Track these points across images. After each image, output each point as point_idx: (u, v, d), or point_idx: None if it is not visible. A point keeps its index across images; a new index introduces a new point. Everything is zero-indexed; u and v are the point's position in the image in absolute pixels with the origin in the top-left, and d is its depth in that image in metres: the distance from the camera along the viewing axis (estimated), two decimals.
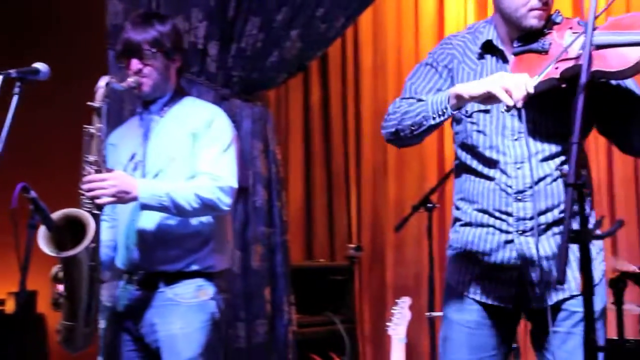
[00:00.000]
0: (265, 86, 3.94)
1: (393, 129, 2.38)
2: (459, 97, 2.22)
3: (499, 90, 2.12)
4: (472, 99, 2.20)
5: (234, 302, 3.68)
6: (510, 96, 2.11)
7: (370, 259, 5.09)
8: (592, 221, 2.37)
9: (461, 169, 2.43)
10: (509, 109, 2.13)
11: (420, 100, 2.32)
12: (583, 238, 1.94)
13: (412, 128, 2.33)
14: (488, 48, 2.39)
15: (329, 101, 5.14)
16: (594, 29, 2.19)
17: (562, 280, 1.89)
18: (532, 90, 2.12)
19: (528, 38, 2.32)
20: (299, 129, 5.08)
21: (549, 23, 2.32)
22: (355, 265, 4.73)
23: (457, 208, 2.45)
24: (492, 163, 2.34)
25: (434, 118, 2.28)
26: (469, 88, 2.21)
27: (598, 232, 2.00)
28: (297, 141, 5.06)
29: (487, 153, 2.34)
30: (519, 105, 2.11)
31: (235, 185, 2.66)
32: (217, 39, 3.73)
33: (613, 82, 2.30)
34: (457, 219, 2.44)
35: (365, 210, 5.13)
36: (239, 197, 3.69)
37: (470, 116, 2.37)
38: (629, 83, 2.33)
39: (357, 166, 5.15)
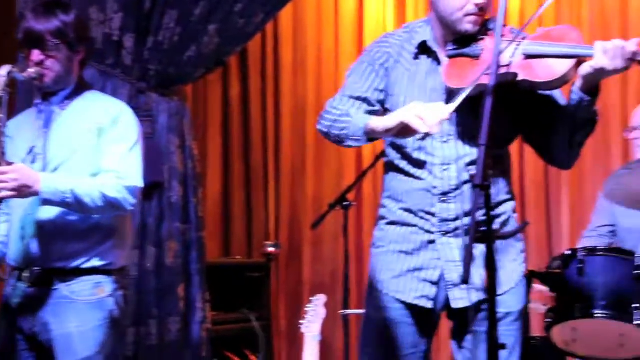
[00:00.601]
0: (183, 81, 3.89)
1: (325, 130, 2.39)
2: (373, 131, 2.25)
3: (413, 118, 2.13)
4: (387, 131, 2.22)
5: (146, 299, 3.63)
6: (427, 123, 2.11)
7: (288, 256, 5.09)
8: (513, 224, 2.45)
9: (390, 167, 2.45)
10: (423, 137, 2.15)
11: (348, 115, 2.33)
12: (488, 238, 1.99)
13: (337, 139, 2.36)
14: (423, 49, 2.40)
15: (248, 97, 5.11)
16: (523, 38, 2.25)
17: (466, 279, 1.94)
18: (447, 117, 2.14)
19: (462, 42, 2.33)
20: (218, 124, 5.03)
21: (484, 29, 2.34)
22: (272, 263, 4.72)
23: (383, 206, 2.46)
24: (419, 163, 2.36)
25: (352, 139, 2.31)
26: (384, 121, 2.23)
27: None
28: (216, 136, 5.02)
29: (415, 154, 2.36)
30: (434, 131, 2.12)
31: (141, 184, 2.61)
32: (133, 32, 3.66)
33: (539, 92, 2.32)
34: (382, 217, 2.46)
35: (283, 207, 5.13)
36: (154, 192, 3.65)
37: None
38: (555, 94, 2.36)
39: (276, 163, 5.14)
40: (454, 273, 2.32)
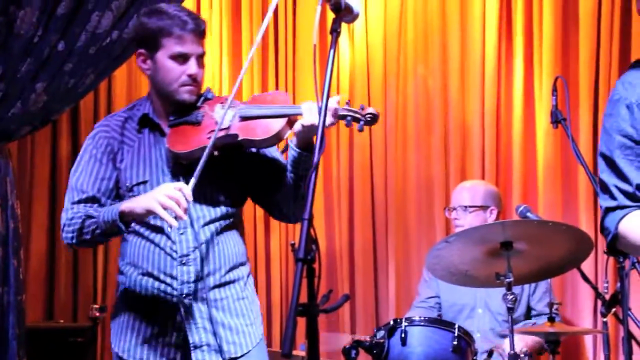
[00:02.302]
0: (6, 138, 3.73)
1: (76, 241, 2.47)
2: (125, 215, 2.35)
3: (161, 211, 2.27)
4: (139, 216, 2.36)
5: None
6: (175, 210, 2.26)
7: None
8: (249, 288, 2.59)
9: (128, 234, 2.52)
10: (171, 225, 2.30)
11: (90, 216, 2.43)
12: (311, 312, 2.01)
13: (92, 241, 2.47)
14: (145, 122, 2.55)
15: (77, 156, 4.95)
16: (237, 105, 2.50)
17: (288, 353, 1.93)
18: (191, 199, 2.30)
19: (182, 111, 2.52)
20: (45, 183, 4.83)
21: (201, 98, 2.56)
22: (98, 327, 4.54)
23: (122, 273, 2.53)
24: (157, 229, 2.46)
25: (107, 233, 2.41)
26: (132, 207, 2.35)
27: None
28: (43, 195, 4.81)
29: (152, 220, 2.45)
30: (184, 218, 2.30)
31: None
32: None
33: (262, 151, 2.57)
34: (121, 284, 2.53)
35: (111, 268, 4.96)
36: None
37: (131, 190, 2.48)
38: (276, 154, 2.60)
39: None
40: (196, 335, 2.42)
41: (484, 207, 3.90)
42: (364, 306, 4.62)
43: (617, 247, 2.15)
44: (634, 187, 2.00)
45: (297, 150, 2.46)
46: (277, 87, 4.82)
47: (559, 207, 4.28)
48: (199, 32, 2.51)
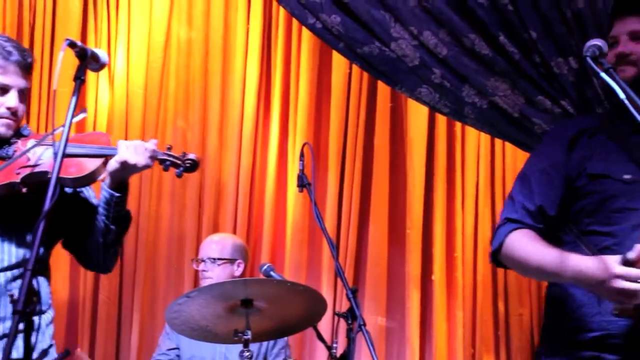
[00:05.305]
0: None
1: None
2: None
3: None
4: None
5: None
6: None
7: None
8: (53, 353, 2.42)
9: None
10: None
11: None
12: None
13: None
14: None
15: None
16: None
17: None
18: None
19: None
20: None
21: (18, 134, 2.46)
22: None
23: None
24: None
25: None
26: None
27: None
28: None
29: None
30: None
31: None
32: None
33: (77, 192, 2.49)
34: None
35: None
36: None
37: None
38: (90, 196, 2.52)
39: None
40: None
41: (231, 260, 3.95)
42: (104, 358, 4.48)
43: (499, 257, 2.34)
44: (535, 206, 2.27)
45: (109, 190, 2.38)
46: (38, 118, 4.57)
47: (304, 267, 4.44)
48: (24, 65, 2.40)
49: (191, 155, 2.48)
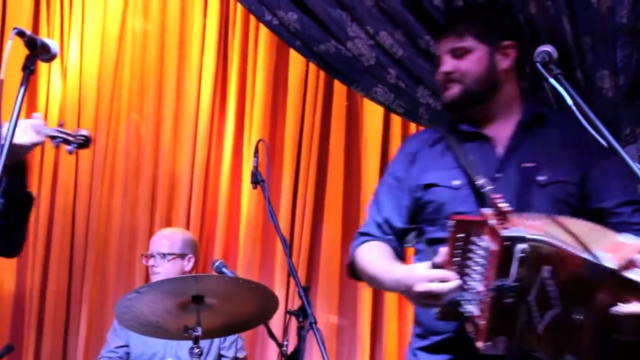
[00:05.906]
0: None
1: None
2: None
3: None
4: None
5: None
6: None
7: None
8: None
9: None
10: None
11: None
12: None
13: None
14: None
15: None
16: None
17: None
18: None
19: None
20: None
21: None
22: None
23: None
24: None
25: None
26: None
27: None
28: None
29: None
30: None
31: None
32: None
33: None
34: None
35: None
36: None
37: None
38: None
39: None
40: None
41: (182, 255, 3.91)
42: (51, 353, 4.41)
43: (355, 270, 2.38)
44: (382, 219, 2.37)
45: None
46: None
47: (257, 264, 4.42)
48: None
49: (83, 132, 2.41)
